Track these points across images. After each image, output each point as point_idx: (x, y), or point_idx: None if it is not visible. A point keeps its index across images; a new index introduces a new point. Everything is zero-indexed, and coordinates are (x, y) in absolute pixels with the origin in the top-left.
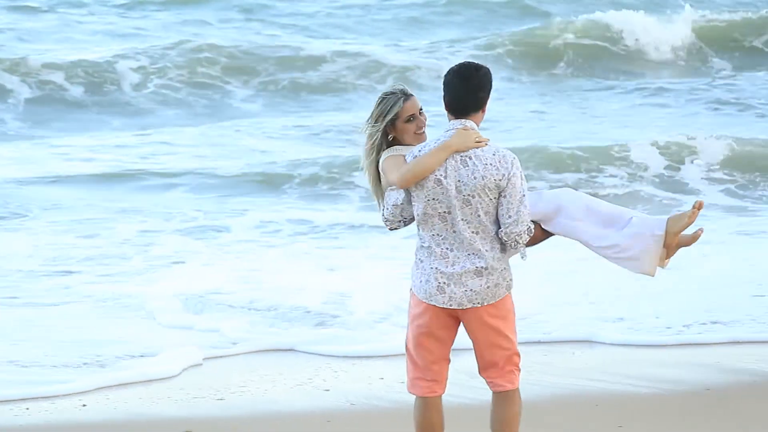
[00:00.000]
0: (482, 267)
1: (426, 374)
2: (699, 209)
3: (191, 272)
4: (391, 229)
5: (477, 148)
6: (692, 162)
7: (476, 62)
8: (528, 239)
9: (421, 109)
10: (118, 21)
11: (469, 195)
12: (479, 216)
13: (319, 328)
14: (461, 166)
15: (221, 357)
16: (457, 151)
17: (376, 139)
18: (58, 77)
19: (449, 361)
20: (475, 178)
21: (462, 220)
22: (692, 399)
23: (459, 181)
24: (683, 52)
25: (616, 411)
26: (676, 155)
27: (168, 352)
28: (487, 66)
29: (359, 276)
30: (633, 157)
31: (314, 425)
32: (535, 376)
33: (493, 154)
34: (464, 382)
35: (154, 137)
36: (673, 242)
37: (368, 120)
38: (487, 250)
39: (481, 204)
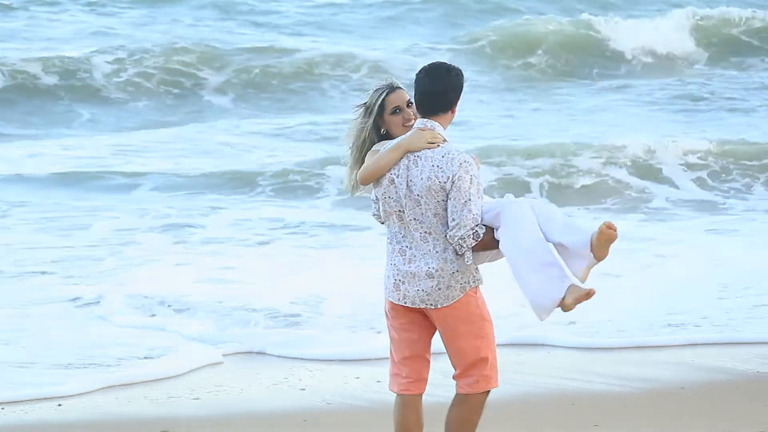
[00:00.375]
0: (433, 268)
1: (401, 371)
2: (589, 296)
3: (164, 272)
4: (381, 223)
5: (429, 148)
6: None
7: (448, 63)
8: (474, 244)
9: (410, 102)
10: (91, 20)
11: (418, 195)
12: (429, 217)
13: (293, 331)
14: (412, 166)
15: (196, 358)
16: (410, 151)
17: (366, 133)
18: (33, 68)
19: (427, 360)
20: (421, 179)
21: (414, 219)
22: (667, 398)
23: (410, 180)
24: (667, 50)
25: (591, 410)
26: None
27: (175, 353)
28: (460, 67)
29: (334, 276)
30: (611, 141)
31: (290, 424)
32: (509, 375)
33: (443, 156)
34: (440, 382)
35: (126, 137)
36: (567, 308)
37: (357, 114)
38: (438, 252)
39: (428, 205)
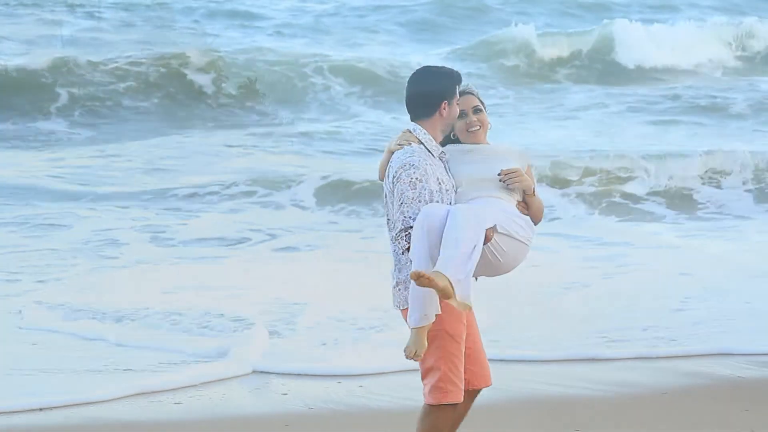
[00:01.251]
0: (392, 270)
1: None
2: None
3: (138, 280)
4: None
5: (397, 150)
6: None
7: (436, 65)
8: (407, 246)
9: (477, 108)
10: (71, 20)
11: (389, 196)
12: (392, 216)
13: (270, 341)
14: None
15: (177, 367)
16: (392, 153)
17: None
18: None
19: None
20: (386, 179)
21: (389, 220)
22: (649, 403)
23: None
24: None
25: (573, 415)
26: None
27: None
28: (453, 68)
29: (316, 282)
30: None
31: (272, 429)
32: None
33: (397, 158)
34: None
35: (104, 145)
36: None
37: None
38: (398, 252)
39: (390, 206)
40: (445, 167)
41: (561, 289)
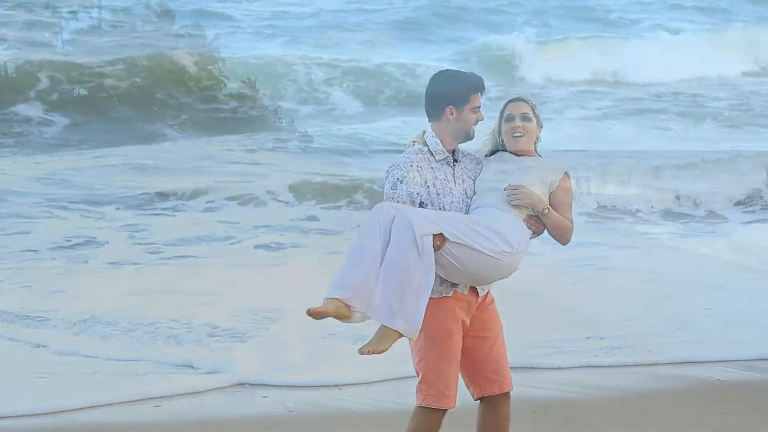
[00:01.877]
0: None
1: None
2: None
3: (112, 284)
4: None
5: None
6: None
7: (454, 70)
8: None
9: (525, 116)
10: (65, 25)
11: None
12: None
13: (256, 351)
14: None
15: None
16: None
17: (491, 137)
18: None
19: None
20: None
21: None
22: (628, 405)
23: None
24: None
25: (553, 417)
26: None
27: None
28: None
29: (294, 288)
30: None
31: (252, 431)
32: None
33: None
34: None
35: (79, 155)
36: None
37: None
38: None
39: None
40: (452, 172)
41: (541, 291)
